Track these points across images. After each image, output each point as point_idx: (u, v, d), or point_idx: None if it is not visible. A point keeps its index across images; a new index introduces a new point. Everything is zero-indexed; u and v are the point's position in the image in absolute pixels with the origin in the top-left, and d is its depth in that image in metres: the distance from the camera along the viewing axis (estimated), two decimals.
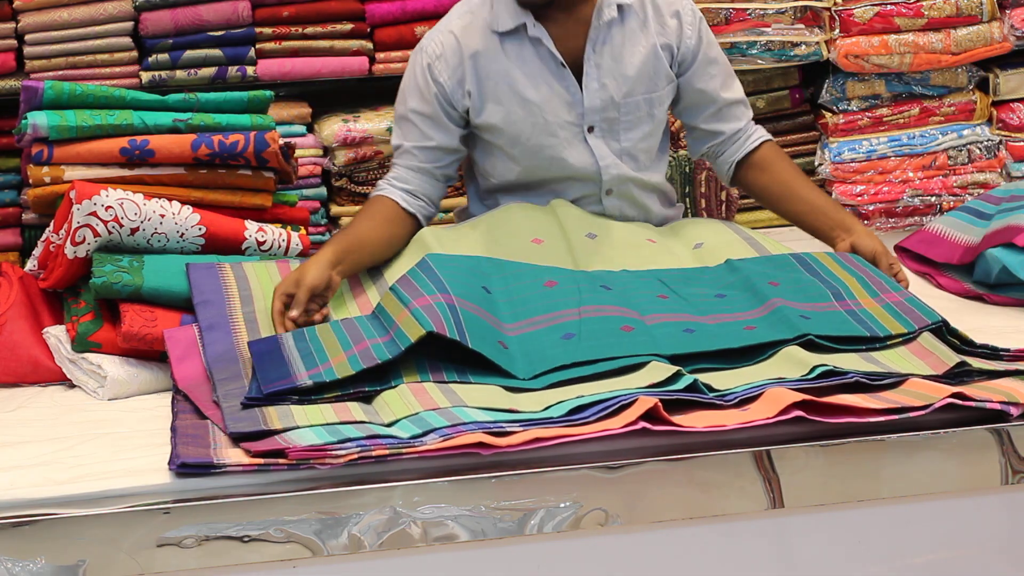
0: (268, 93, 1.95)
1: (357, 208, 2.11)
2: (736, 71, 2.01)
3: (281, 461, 1.32)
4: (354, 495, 1.31)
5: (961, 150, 2.46)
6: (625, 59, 1.89)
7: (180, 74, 2.22)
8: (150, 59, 2.21)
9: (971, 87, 2.47)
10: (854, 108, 2.46)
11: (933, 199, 2.44)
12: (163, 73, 2.21)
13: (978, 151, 2.46)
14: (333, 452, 1.32)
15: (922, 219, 2.42)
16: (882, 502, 1.39)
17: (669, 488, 1.36)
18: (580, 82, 1.88)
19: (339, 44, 2.30)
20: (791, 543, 1.41)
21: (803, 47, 2.42)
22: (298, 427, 1.37)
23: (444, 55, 1.87)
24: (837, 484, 1.38)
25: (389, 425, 1.39)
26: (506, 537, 1.33)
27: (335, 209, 2.31)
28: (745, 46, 2.43)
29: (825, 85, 2.45)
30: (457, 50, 1.87)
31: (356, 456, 1.32)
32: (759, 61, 2.42)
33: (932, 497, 1.39)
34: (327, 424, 1.38)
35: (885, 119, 2.46)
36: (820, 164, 2.45)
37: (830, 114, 2.45)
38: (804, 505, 1.38)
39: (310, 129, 2.31)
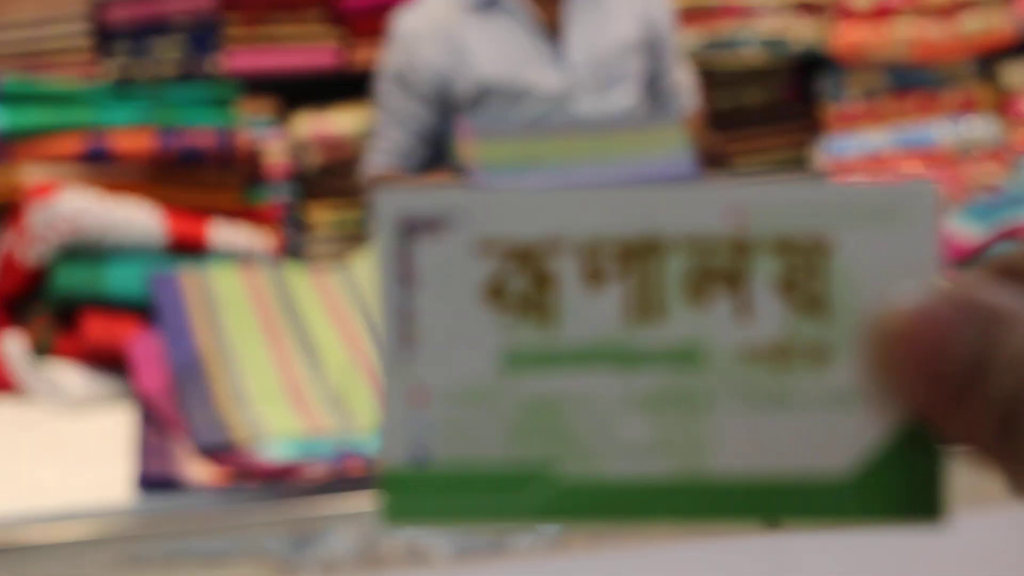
0: (235, 87, 1.94)
1: (338, 216, 2.10)
2: (728, 68, 2.07)
3: (251, 480, 1.31)
4: (327, 508, 1.30)
5: (965, 143, 2.45)
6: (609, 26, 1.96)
7: (143, 66, 2.20)
8: (111, 51, 2.18)
9: (976, 78, 2.46)
10: (852, 101, 2.44)
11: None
12: (125, 65, 2.19)
13: (983, 144, 2.45)
14: (304, 471, 1.30)
15: None
16: None
17: None
18: (559, 50, 1.93)
19: (310, 33, 2.28)
20: (790, 566, 1.39)
21: (798, 40, 2.41)
22: (266, 436, 1.35)
23: (421, 34, 1.90)
24: None
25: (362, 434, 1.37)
26: (491, 553, 1.31)
27: (314, 216, 2.29)
28: (736, 40, 2.42)
29: (822, 77, 2.44)
30: (434, 27, 1.91)
31: (328, 476, 1.30)
32: (751, 55, 2.41)
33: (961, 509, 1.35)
34: (296, 439, 1.36)
35: (885, 112, 2.45)
36: (817, 159, 2.44)
37: (827, 107, 2.44)
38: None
39: (281, 125, 2.29)
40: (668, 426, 0.35)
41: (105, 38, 2.10)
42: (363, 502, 1.29)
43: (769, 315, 0.35)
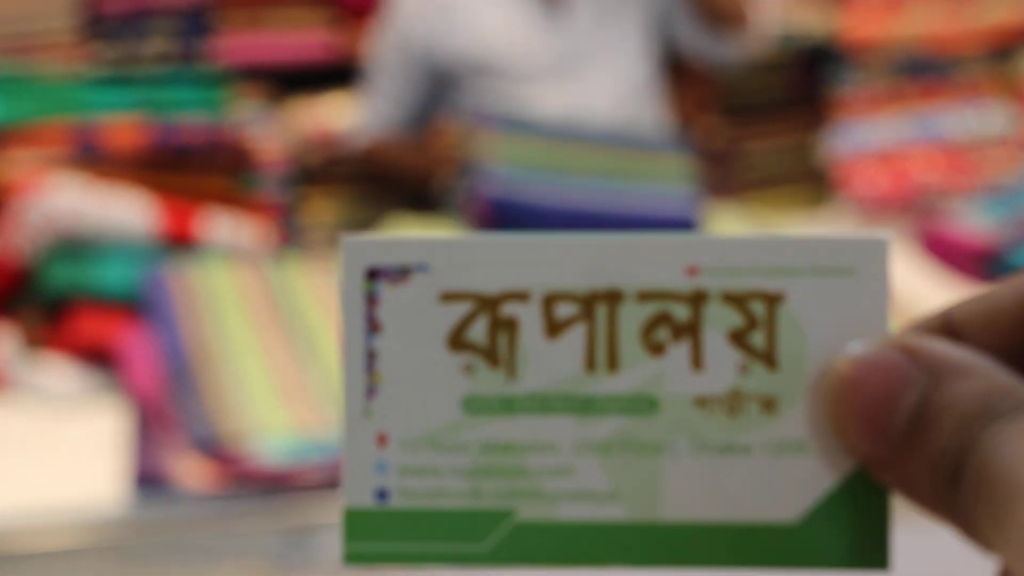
0: (228, 74, 1.92)
1: (336, 205, 2.08)
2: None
3: (247, 486, 1.31)
4: (321, 513, 1.29)
5: (978, 134, 2.43)
6: None
7: (134, 53, 2.17)
8: (102, 37, 2.16)
9: (990, 67, 2.44)
10: (862, 90, 2.43)
11: (948, 189, 2.39)
12: (116, 52, 2.17)
13: (997, 135, 2.43)
14: (299, 476, 1.31)
15: (935, 208, 2.36)
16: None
17: None
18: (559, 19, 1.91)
19: (305, 18, 2.26)
20: None
21: (807, 32, 2.40)
22: (258, 431, 1.34)
23: (415, 11, 1.90)
24: None
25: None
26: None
27: (312, 206, 2.27)
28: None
29: (831, 68, 2.42)
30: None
31: (323, 481, 1.30)
32: (760, 49, 2.39)
33: None
34: (290, 436, 1.35)
35: (896, 101, 2.43)
36: (827, 150, 2.42)
37: (836, 97, 2.42)
38: None
39: (275, 112, 2.27)
40: (623, 472, 0.36)
41: (96, 24, 2.09)
42: None
43: (722, 365, 0.36)
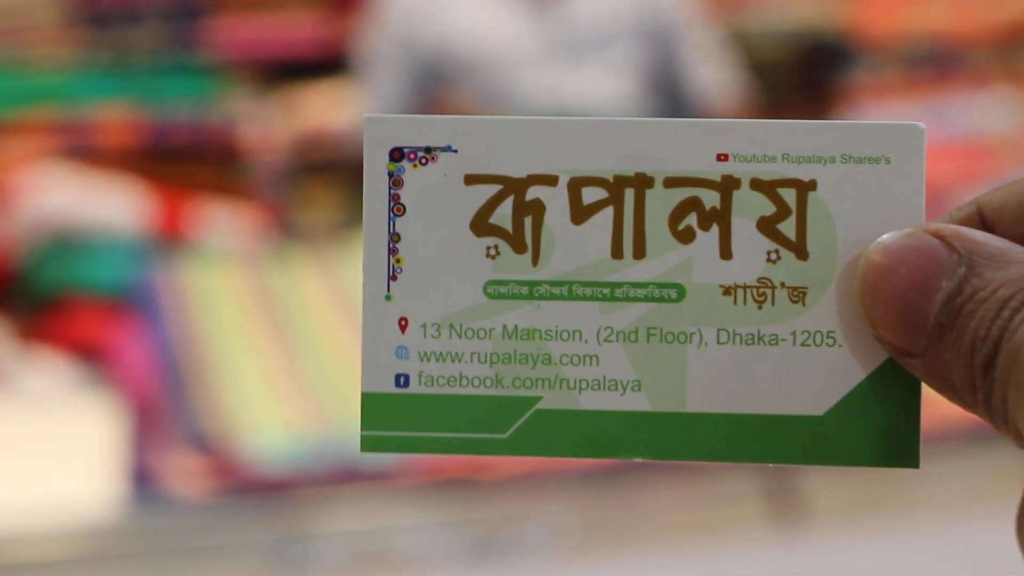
0: (220, 65, 1.91)
1: (333, 195, 2.07)
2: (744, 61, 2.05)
3: (242, 490, 1.31)
4: (318, 513, 1.29)
5: (991, 128, 2.42)
6: None
7: (124, 42, 2.16)
8: (94, 26, 2.15)
9: (1003, 61, 2.43)
10: (871, 85, 2.42)
11: (960, 183, 2.38)
12: (108, 41, 2.15)
13: (1012, 129, 2.42)
14: (294, 483, 1.30)
15: (946, 203, 2.36)
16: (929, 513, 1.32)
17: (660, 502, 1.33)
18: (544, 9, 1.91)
19: (298, 8, 2.25)
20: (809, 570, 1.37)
21: (815, 27, 2.39)
22: (252, 430, 1.34)
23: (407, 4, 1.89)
24: (871, 490, 1.32)
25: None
26: (495, 557, 1.30)
27: (308, 195, 2.25)
28: (752, 31, 2.40)
29: (838, 64, 2.41)
30: None
31: (318, 487, 1.29)
32: (766, 48, 2.39)
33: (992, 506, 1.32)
34: (283, 432, 1.34)
35: (906, 97, 2.42)
36: None
37: (844, 91, 2.41)
38: (826, 520, 1.33)
39: (268, 105, 2.25)
40: (649, 362, 0.36)
41: (86, 13, 2.08)
42: (355, 514, 1.27)
43: (751, 253, 0.36)
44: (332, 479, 1.29)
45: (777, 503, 1.32)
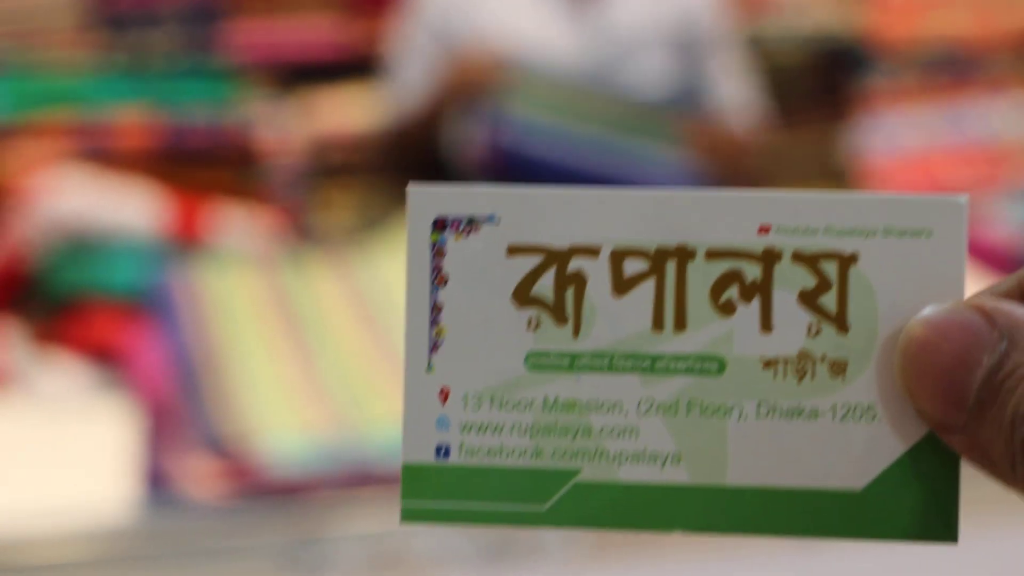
0: (238, 68, 1.91)
1: (352, 197, 2.07)
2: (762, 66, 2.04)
3: (257, 493, 1.31)
4: (334, 516, 1.28)
5: (1009, 133, 2.41)
6: None
7: (141, 45, 2.16)
8: (112, 29, 2.15)
9: (1021, 66, 2.42)
10: (888, 90, 2.41)
11: (978, 189, 2.37)
12: (125, 44, 2.16)
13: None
14: (310, 486, 1.30)
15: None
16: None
17: None
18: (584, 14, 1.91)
19: (318, 10, 2.25)
20: None
21: (833, 32, 2.38)
22: (268, 433, 1.34)
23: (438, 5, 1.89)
24: None
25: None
26: (510, 561, 1.29)
27: (327, 198, 2.24)
28: (770, 36, 2.39)
29: (856, 68, 2.40)
30: None
31: (334, 490, 1.29)
32: (784, 52, 2.38)
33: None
34: (299, 435, 1.34)
35: (923, 102, 2.41)
36: (851, 150, 2.40)
37: (861, 97, 2.40)
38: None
39: (287, 108, 2.25)
40: (689, 434, 0.36)
41: (104, 15, 2.08)
42: (370, 517, 1.27)
43: (792, 326, 0.36)
44: (347, 482, 1.29)
45: None
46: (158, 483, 1.31)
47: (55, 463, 1.39)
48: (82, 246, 1.69)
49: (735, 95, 2.03)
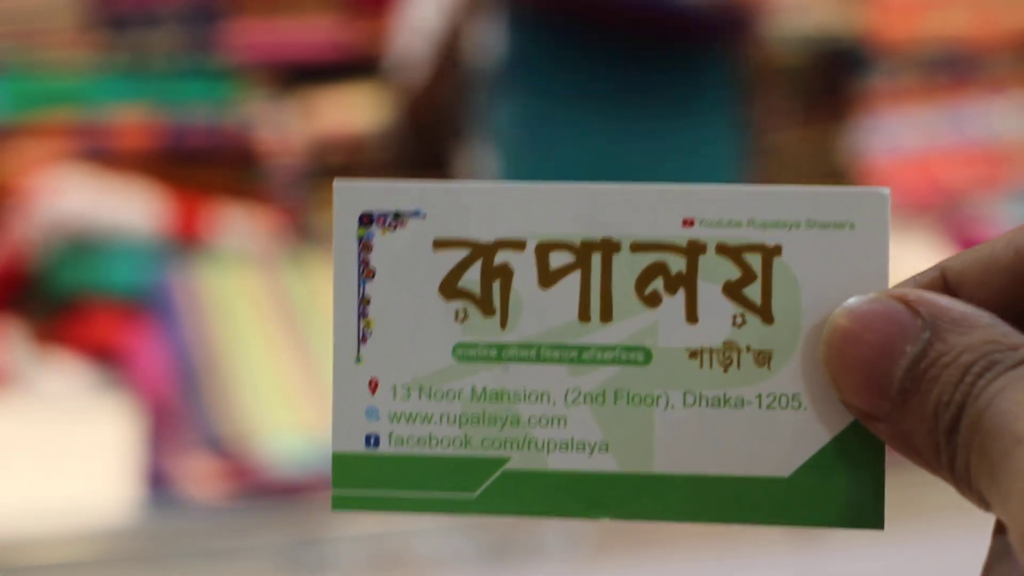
0: (239, 68, 1.91)
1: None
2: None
3: (257, 493, 1.32)
4: (333, 516, 1.27)
5: (1011, 134, 2.41)
6: None
7: (141, 44, 2.16)
8: (107, 28, 2.15)
9: (1021, 66, 2.42)
10: (887, 89, 2.41)
11: (978, 190, 2.37)
12: (124, 43, 2.15)
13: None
14: (309, 486, 1.30)
15: (965, 210, 2.35)
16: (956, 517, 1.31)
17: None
18: None
19: (320, 10, 2.25)
20: None
21: (832, 33, 2.38)
22: (267, 433, 1.34)
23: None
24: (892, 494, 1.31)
25: None
26: (511, 561, 1.29)
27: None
28: (769, 35, 2.39)
29: (854, 68, 2.40)
30: None
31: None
32: (783, 54, 2.38)
33: None
34: (298, 439, 1.34)
35: (924, 102, 2.41)
36: (850, 151, 2.39)
37: (860, 96, 2.40)
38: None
39: (288, 108, 2.25)
40: (616, 423, 0.37)
41: (103, 15, 2.08)
42: (371, 517, 1.27)
43: (717, 317, 0.36)
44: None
45: None
46: (158, 483, 1.31)
47: (55, 463, 1.39)
48: (82, 246, 1.69)
49: None
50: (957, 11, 2.35)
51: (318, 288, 1.66)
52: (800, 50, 2.42)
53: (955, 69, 2.39)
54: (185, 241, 1.73)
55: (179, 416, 1.44)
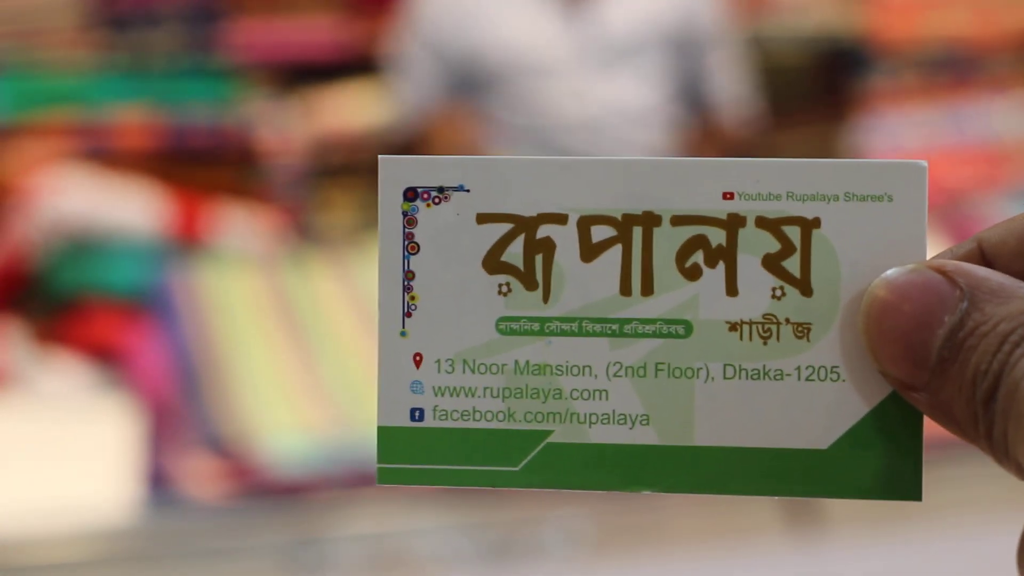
0: (239, 68, 1.91)
1: (353, 197, 2.06)
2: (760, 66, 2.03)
3: (258, 493, 1.31)
4: (333, 516, 1.28)
5: (1010, 134, 2.41)
6: None
7: (142, 45, 2.16)
8: (109, 28, 2.15)
9: (1021, 66, 2.42)
10: (888, 90, 2.41)
11: (979, 190, 2.37)
12: (124, 43, 2.15)
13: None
14: (310, 486, 1.30)
15: (966, 210, 2.35)
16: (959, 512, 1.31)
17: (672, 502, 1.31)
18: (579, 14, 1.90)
19: (319, 10, 2.25)
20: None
21: (832, 32, 2.38)
22: (268, 432, 1.34)
23: (437, 9, 1.88)
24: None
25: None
26: (511, 561, 1.29)
27: (328, 197, 2.24)
28: (768, 35, 2.39)
29: (855, 67, 2.40)
30: None
31: (333, 490, 1.29)
32: (784, 52, 2.38)
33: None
34: (299, 439, 1.34)
35: (924, 102, 2.40)
36: (851, 150, 2.40)
37: (861, 96, 2.40)
38: (842, 525, 1.31)
39: (288, 108, 2.25)
40: (657, 396, 0.37)
41: (105, 15, 2.08)
42: (371, 517, 1.27)
43: (756, 290, 0.37)
44: (348, 482, 1.29)
45: (793, 508, 1.32)
46: (159, 483, 1.31)
47: (55, 463, 1.39)
48: (83, 246, 1.69)
49: (731, 89, 2.03)
50: (957, 11, 2.35)
51: (318, 288, 1.66)
52: (800, 50, 2.43)
53: (955, 69, 2.39)
54: (186, 241, 1.73)
55: (179, 416, 1.44)
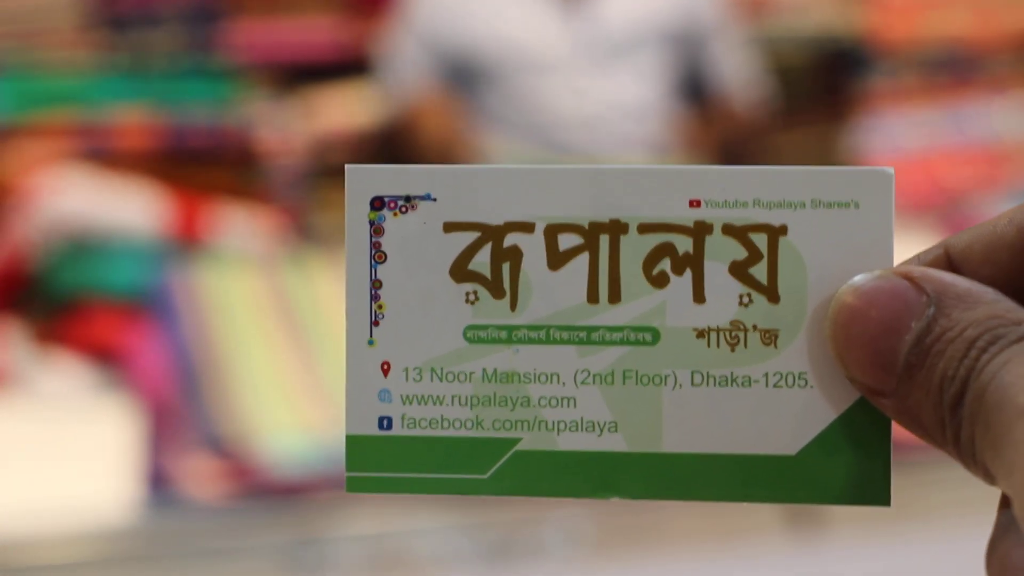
0: (239, 68, 1.91)
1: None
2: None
3: (257, 493, 1.31)
4: (333, 516, 1.29)
5: (1010, 134, 2.41)
6: None
7: (142, 45, 2.16)
8: (108, 28, 2.15)
9: (1021, 67, 2.42)
10: (888, 90, 2.41)
11: (978, 191, 2.37)
12: (123, 44, 2.15)
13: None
14: (310, 486, 1.30)
15: (965, 210, 2.35)
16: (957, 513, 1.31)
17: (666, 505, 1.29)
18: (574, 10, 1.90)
19: (318, 10, 2.24)
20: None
21: (833, 33, 2.38)
22: (268, 433, 1.34)
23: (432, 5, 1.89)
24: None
25: None
26: (511, 561, 1.29)
27: (327, 197, 2.24)
28: (769, 35, 2.38)
29: (855, 68, 2.40)
30: None
31: (332, 490, 1.29)
32: (785, 53, 2.37)
33: None
34: (298, 439, 1.34)
35: (924, 103, 2.40)
36: (851, 151, 2.40)
37: (861, 97, 2.40)
38: (842, 526, 1.32)
39: (287, 108, 2.25)
40: (625, 403, 0.37)
41: (104, 16, 2.08)
42: (371, 517, 1.27)
43: (724, 297, 0.37)
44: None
45: (793, 508, 1.32)
46: (159, 483, 1.31)
47: (56, 463, 1.39)
48: (83, 246, 1.69)
49: (737, 74, 2.03)
50: (957, 11, 2.34)
51: (318, 288, 1.66)
52: (800, 50, 2.43)
53: (955, 69, 2.39)
54: (185, 241, 1.73)
55: (179, 416, 1.44)
